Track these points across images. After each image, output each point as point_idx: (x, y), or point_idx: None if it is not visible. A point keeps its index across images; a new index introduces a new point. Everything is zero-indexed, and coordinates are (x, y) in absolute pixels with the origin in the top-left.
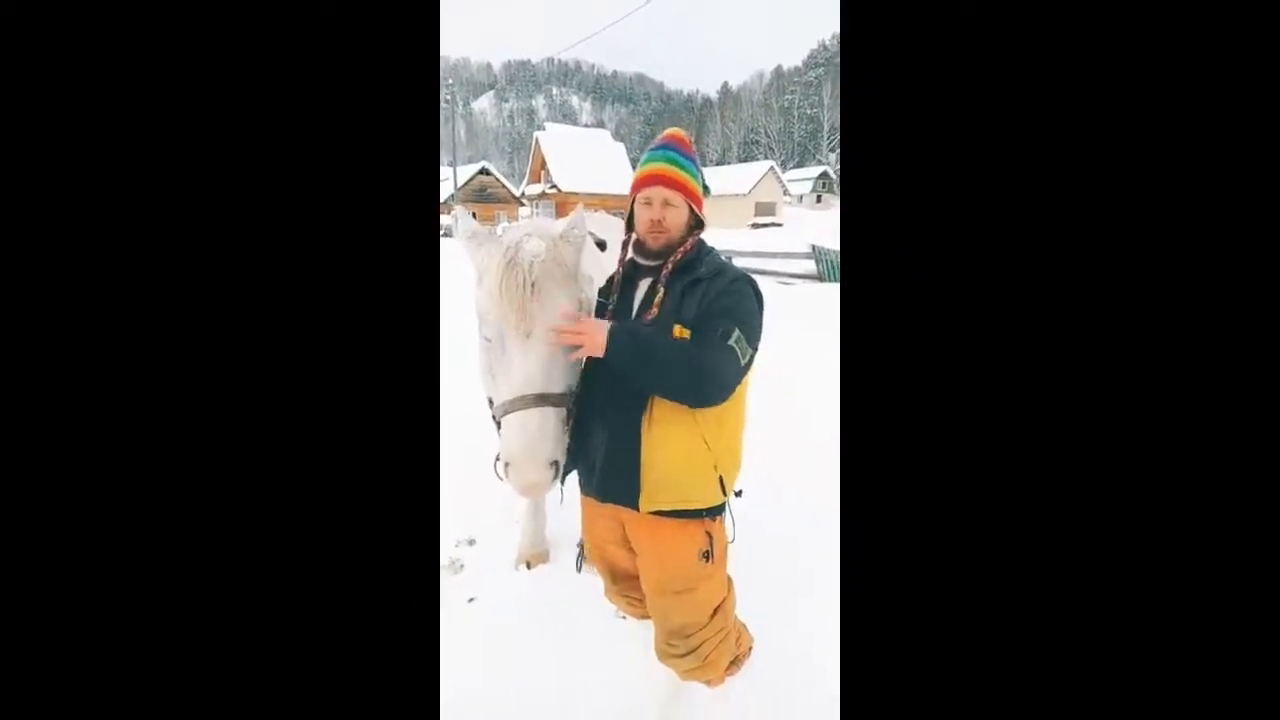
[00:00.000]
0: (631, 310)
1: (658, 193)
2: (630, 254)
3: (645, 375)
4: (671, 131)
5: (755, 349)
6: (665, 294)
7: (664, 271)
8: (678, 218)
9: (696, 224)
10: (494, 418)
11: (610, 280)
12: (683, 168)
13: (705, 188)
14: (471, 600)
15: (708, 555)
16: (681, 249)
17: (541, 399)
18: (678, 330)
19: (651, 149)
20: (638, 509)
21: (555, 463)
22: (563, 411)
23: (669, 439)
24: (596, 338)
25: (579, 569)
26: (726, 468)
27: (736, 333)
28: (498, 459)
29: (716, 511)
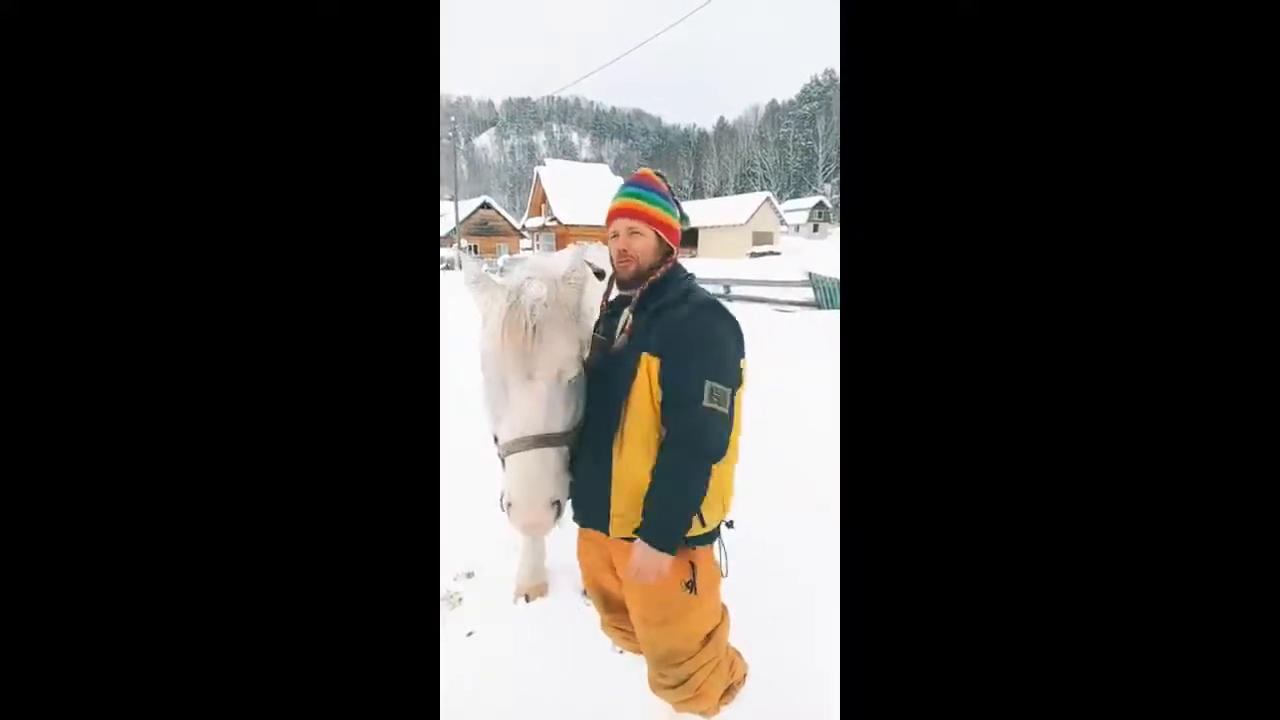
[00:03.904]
0: (614, 339)
1: (621, 224)
2: (614, 288)
3: (689, 504)
4: (640, 171)
5: (734, 385)
6: (633, 320)
7: (634, 299)
8: (644, 245)
9: (669, 250)
10: (499, 454)
11: (600, 312)
12: (644, 199)
13: (683, 216)
14: (470, 634)
15: (690, 585)
16: (652, 278)
17: (541, 440)
18: (645, 358)
19: (620, 188)
20: (609, 534)
21: (556, 503)
22: (564, 450)
23: (638, 464)
24: (657, 563)
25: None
26: (708, 498)
27: (708, 387)
28: (502, 495)
29: (700, 540)
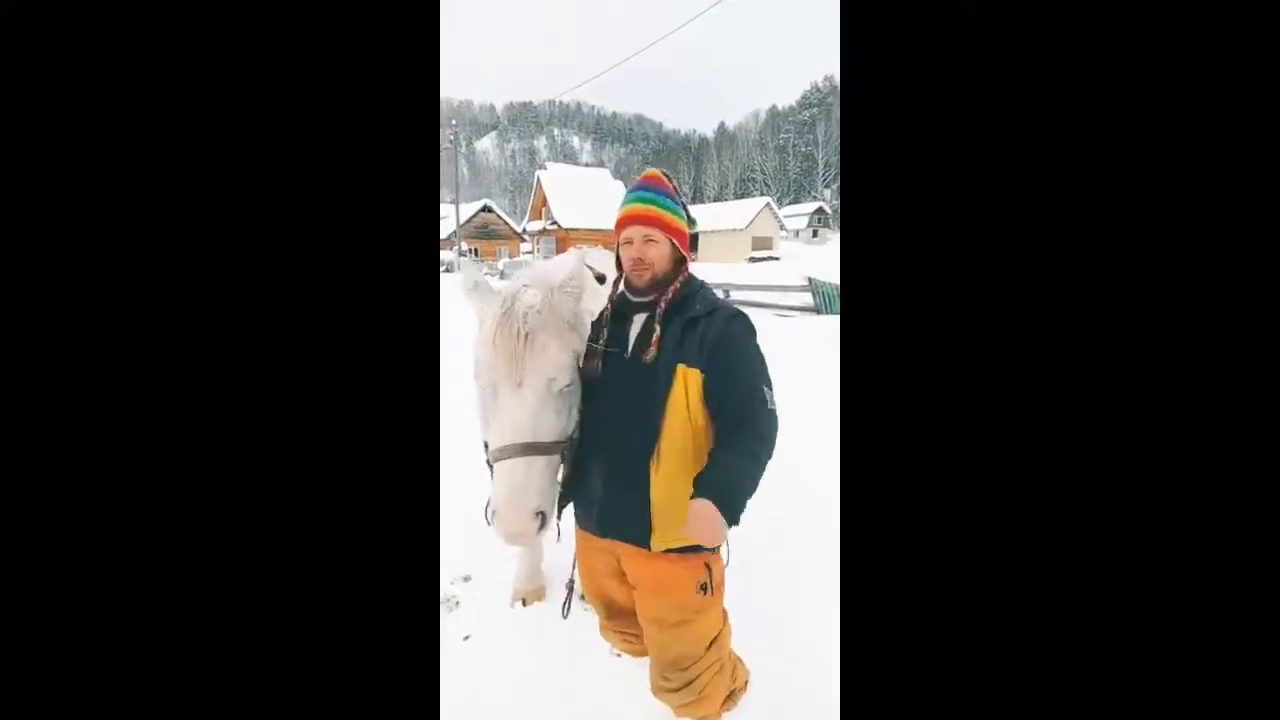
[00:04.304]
0: (627, 347)
1: (636, 231)
2: (621, 290)
3: (754, 490)
4: (648, 172)
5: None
6: (662, 333)
7: (659, 310)
8: (659, 252)
9: (682, 257)
10: (487, 462)
11: (600, 316)
12: (658, 204)
13: (691, 220)
14: (467, 638)
15: (705, 587)
16: (672, 287)
17: (529, 448)
18: (682, 370)
19: (628, 192)
20: (649, 548)
21: (541, 513)
22: (554, 460)
23: (678, 478)
24: (715, 529)
25: (565, 614)
26: None
27: (767, 392)
28: (488, 505)
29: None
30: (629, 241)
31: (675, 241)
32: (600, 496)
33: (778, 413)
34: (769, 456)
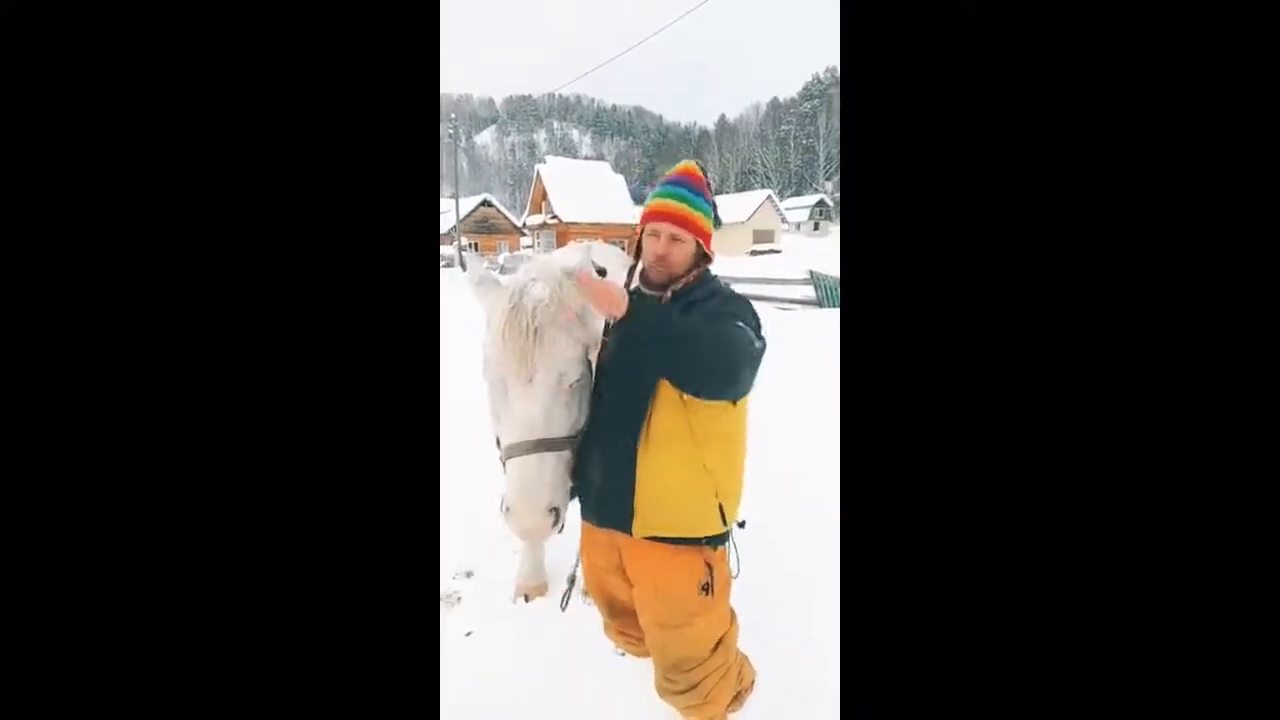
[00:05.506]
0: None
1: (665, 228)
2: (635, 282)
3: (665, 345)
4: (687, 166)
5: (762, 347)
6: None
7: (662, 299)
8: (683, 253)
9: (703, 257)
10: (500, 459)
11: None
12: (693, 205)
13: (717, 220)
14: (469, 634)
15: (707, 588)
16: (684, 280)
17: (541, 444)
18: None
19: (665, 182)
20: (631, 533)
21: (555, 509)
22: (565, 455)
23: (666, 461)
24: (618, 296)
25: (563, 606)
26: (727, 495)
27: (753, 335)
28: (502, 501)
29: (717, 541)
30: (655, 234)
31: (700, 242)
32: (598, 485)
33: (754, 347)
34: (716, 351)
